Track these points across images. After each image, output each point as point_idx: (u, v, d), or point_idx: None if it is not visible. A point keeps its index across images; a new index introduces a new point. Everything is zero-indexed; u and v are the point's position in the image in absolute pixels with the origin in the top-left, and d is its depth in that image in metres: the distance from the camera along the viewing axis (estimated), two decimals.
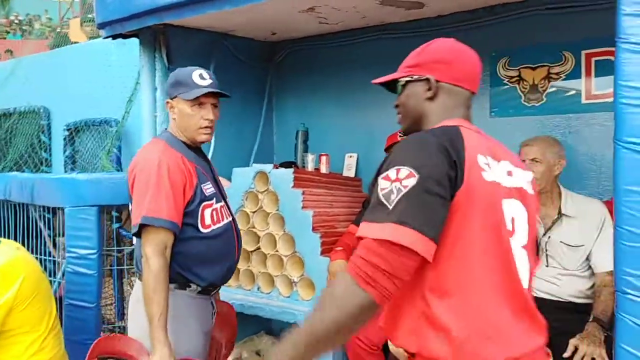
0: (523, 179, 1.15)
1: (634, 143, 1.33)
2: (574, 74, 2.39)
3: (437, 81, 1.16)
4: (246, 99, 3.07)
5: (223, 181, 2.14)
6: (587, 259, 2.00)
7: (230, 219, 1.78)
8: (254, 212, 2.44)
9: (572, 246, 2.00)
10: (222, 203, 1.76)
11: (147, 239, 1.53)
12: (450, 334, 0.98)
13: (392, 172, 0.98)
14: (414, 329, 1.03)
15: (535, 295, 2.05)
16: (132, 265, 2.36)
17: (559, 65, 2.42)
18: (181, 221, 1.58)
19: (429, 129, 1.11)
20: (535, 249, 1.19)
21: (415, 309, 1.02)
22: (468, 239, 1.00)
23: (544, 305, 2.01)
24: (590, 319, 1.85)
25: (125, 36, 2.52)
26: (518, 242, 1.08)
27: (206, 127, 1.69)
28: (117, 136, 3.25)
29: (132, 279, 3.13)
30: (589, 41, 2.32)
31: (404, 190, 0.95)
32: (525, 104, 2.52)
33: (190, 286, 1.66)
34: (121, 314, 3.29)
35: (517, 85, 2.55)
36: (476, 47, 2.64)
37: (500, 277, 1.03)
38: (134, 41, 2.61)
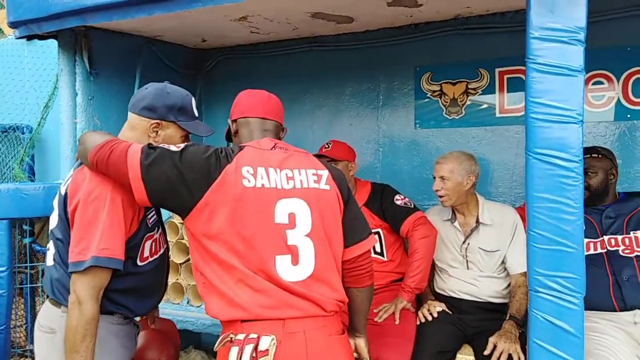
0: (310, 179, 1.41)
1: (543, 154, 1.45)
2: (489, 90, 2.59)
3: (233, 121, 1.53)
4: None
5: None
6: (503, 262, 2.15)
7: (165, 246, 1.66)
8: (182, 222, 2.37)
9: (489, 251, 2.15)
10: (160, 230, 1.63)
11: (84, 280, 1.33)
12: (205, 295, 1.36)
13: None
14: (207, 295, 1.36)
15: (457, 296, 2.19)
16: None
17: (476, 81, 2.61)
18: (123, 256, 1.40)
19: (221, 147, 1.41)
20: (340, 232, 1.44)
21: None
22: (226, 232, 1.31)
23: (466, 306, 2.17)
24: (507, 318, 1.99)
25: (41, 37, 2.35)
26: (300, 232, 1.35)
27: None
28: (31, 144, 3.01)
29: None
30: (502, 60, 2.52)
31: (161, 147, 1.38)
32: (447, 116, 2.69)
33: (115, 314, 1.52)
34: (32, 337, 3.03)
35: (439, 99, 2.70)
36: (401, 61, 2.82)
37: (253, 262, 1.31)
38: (51, 42, 2.45)
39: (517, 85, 2.51)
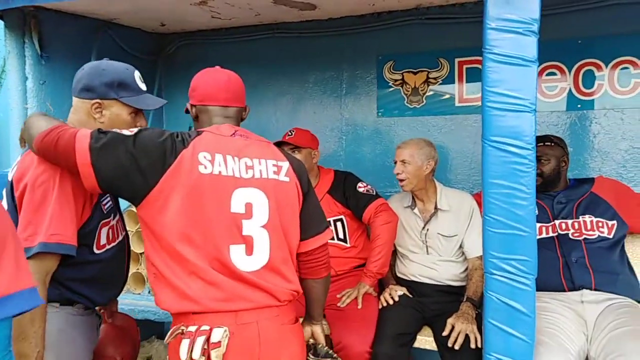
0: (269, 170, 1.39)
1: (498, 142, 1.51)
2: (449, 79, 2.64)
3: (193, 105, 1.47)
4: None
5: None
6: (461, 246, 2.22)
7: (124, 234, 1.62)
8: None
9: (447, 236, 2.21)
10: (118, 216, 1.59)
11: (32, 266, 1.20)
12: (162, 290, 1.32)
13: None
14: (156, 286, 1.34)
15: (418, 280, 2.25)
16: None
17: (436, 71, 2.65)
18: (75, 241, 1.34)
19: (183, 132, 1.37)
20: (296, 224, 1.44)
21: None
22: (179, 220, 1.28)
23: (426, 289, 2.23)
24: (464, 300, 2.06)
25: None
26: (256, 223, 1.33)
27: None
28: None
29: None
30: (461, 50, 2.57)
31: (115, 131, 1.32)
32: (408, 105, 2.73)
33: (75, 304, 1.48)
34: None
35: (400, 88, 2.74)
36: (364, 50, 2.82)
37: (209, 252, 1.29)
38: None
39: (476, 75, 2.57)
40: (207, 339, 1.23)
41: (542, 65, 2.46)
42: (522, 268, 1.51)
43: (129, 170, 1.25)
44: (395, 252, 2.37)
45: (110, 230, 1.48)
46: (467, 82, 2.62)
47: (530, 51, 1.47)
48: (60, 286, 1.38)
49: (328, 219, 2.25)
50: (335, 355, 1.69)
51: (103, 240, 1.45)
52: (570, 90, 2.45)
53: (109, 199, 1.49)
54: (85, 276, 1.42)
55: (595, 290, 1.89)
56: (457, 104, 2.64)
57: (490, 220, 1.54)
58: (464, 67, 2.61)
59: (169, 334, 1.29)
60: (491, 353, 1.56)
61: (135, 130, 1.32)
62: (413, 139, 2.24)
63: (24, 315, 1.19)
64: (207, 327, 1.24)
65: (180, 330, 1.26)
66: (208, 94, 1.44)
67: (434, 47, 2.63)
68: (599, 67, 2.39)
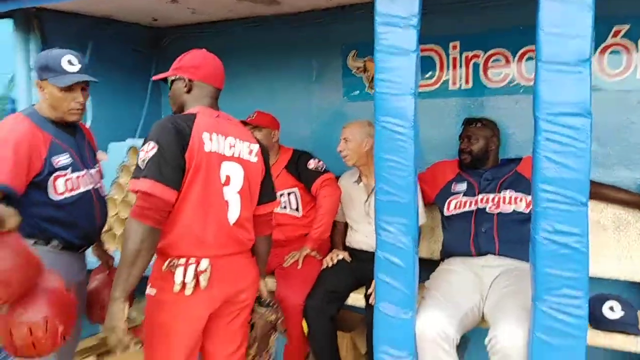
0: (245, 150, 1.71)
1: (385, 122, 1.74)
2: None
3: (190, 80, 1.68)
4: (130, 82, 3.29)
5: (101, 155, 2.37)
6: None
7: (90, 187, 1.95)
8: (127, 183, 2.70)
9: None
10: (82, 172, 1.92)
11: None
12: (167, 236, 1.58)
13: (145, 146, 1.55)
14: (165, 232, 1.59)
15: (359, 247, 2.51)
16: None
17: None
18: (22, 186, 1.71)
19: (170, 116, 1.65)
20: (257, 193, 1.78)
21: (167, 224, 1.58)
22: (192, 187, 1.56)
23: (365, 256, 2.49)
24: None
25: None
26: (232, 189, 1.65)
27: (77, 109, 1.86)
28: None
29: None
30: None
31: (149, 156, 1.52)
32: (369, 91, 2.96)
33: (50, 242, 1.85)
34: None
35: (362, 75, 2.97)
36: (330, 40, 3.07)
37: (207, 210, 1.60)
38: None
39: (429, 63, 2.77)
40: (196, 267, 1.56)
41: (490, 52, 2.63)
42: (402, 230, 1.76)
43: (175, 165, 1.53)
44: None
45: (69, 182, 1.83)
46: (422, 69, 2.80)
47: (411, 43, 1.70)
48: (32, 223, 1.75)
49: (283, 191, 2.61)
50: (275, 305, 2.01)
51: (60, 189, 1.80)
52: (513, 75, 2.60)
53: (66, 156, 1.84)
54: (49, 216, 1.78)
55: (499, 255, 2.10)
56: None
57: (379, 190, 1.79)
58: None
59: (165, 265, 1.57)
60: (380, 302, 1.82)
61: (154, 147, 1.52)
62: (356, 120, 2.50)
63: None
64: (193, 260, 1.56)
65: (172, 263, 1.57)
66: (210, 74, 1.71)
67: None
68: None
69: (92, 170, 2.01)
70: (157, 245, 1.56)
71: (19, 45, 2.70)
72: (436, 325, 1.78)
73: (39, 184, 1.76)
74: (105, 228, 2.16)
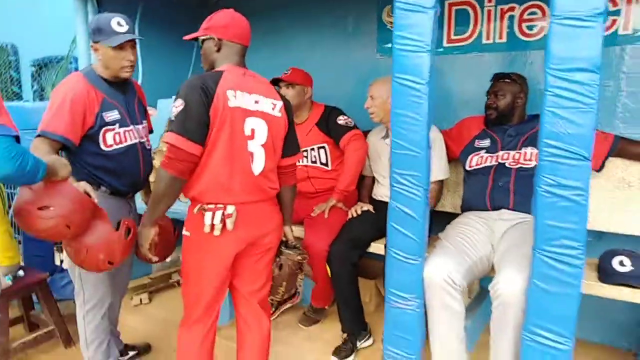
0: (269, 106, 1.82)
1: (401, 78, 1.81)
2: (439, 20, 2.82)
3: (220, 39, 1.79)
4: (177, 42, 3.44)
5: (151, 110, 2.61)
6: None
7: (136, 141, 2.16)
8: None
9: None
10: (129, 127, 2.13)
11: (35, 144, 1.90)
12: (197, 185, 1.74)
13: (175, 102, 1.68)
14: (191, 183, 1.76)
15: (383, 200, 2.63)
16: None
17: None
18: (77, 138, 1.94)
19: (198, 75, 1.73)
20: (281, 147, 1.90)
21: (195, 173, 1.74)
22: (218, 140, 1.70)
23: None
24: None
25: None
26: (257, 142, 1.78)
27: (128, 66, 2.05)
28: (63, 72, 3.67)
29: None
30: None
31: (177, 112, 1.67)
32: None
33: (100, 188, 2.10)
34: None
35: None
36: None
37: (233, 161, 1.73)
38: None
39: (464, 16, 2.74)
40: (223, 212, 1.73)
41: (524, 5, 2.57)
42: (414, 182, 1.86)
43: (200, 121, 1.66)
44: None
45: (117, 135, 2.06)
46: (455, 24, 2.80)
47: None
48: (85, 170, 2.02)
49: (313, 146, 2.75)
50: (299, 247, 2.21)
51: (110, 142, 2.03)
52: None
53: (115, 112, 2.05)
54: (100, 165, 2.02)
55: (513, 210, 2.16)
56: (445, 45, 2.85)
57: (394, 143, 1.89)
58: (453, 8, 2.79)
59: (196, 209, 1.75)
60: (391, 248, 1.96)
61: (182, 104, 1.66)
62: (381, 77, 2.56)
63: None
64: (221, 205, 1.73)
65: (202, 207, 1.74)
66: (238, 33, 1.80)
67: None
68: None
69: (139, 126, 2.21)
70: (180, 191, 1.74)
71: (78, 9, 2.94)
72: (443, 271, 1.90)
73: (91, 136, 1.99)
74: (152, 177, 2.41)
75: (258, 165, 1.80)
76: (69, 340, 2.70)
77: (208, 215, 1.74)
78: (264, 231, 1.88)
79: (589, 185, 1.55)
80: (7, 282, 2.49)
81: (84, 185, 1.84)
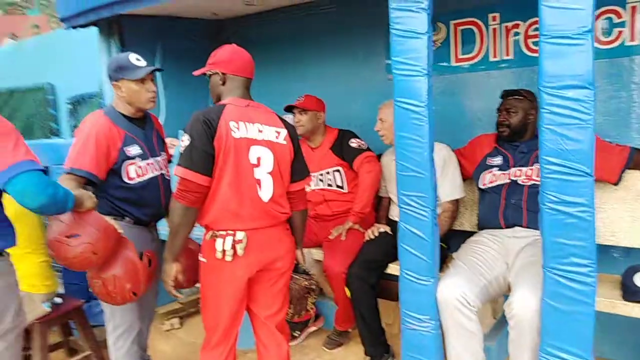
0: (273, 134, 1.89)
1: (402, 102, 1.86)
2: (446, 42, 2.87)
3: (224, 73, 1.88)
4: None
5: (174, 141, 2.74)
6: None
7: (157, 173, 2.26)
8: None
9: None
10: (150, 161, 2.23)
11: (62, 180, 2.01)
12: (209, 213, 1.83)
13: (183, 137, 1.80)
14: (204, 211, 1.85)
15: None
16: None
17: (435, 34, 2.90)
18: (102, 172, 2.05)
19: (202, 110, 1.83)
20: (289, 172, 1.95)
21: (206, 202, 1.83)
22: (224, 169, 1.78)
23: None
24: None
25: (83, 26, 3.10)
26: (263, 170, 1.85)
27: (152, 97, 2.18)
28: (95, 108, 3.89)
29: None
30: (455, 13, 2.78)
31: (184, 146, 1.77)
32: None
33: (124, 219, 2.21)
34: None
35: None
36: (376, 20, 3.16)
37: (241, 189, 1.81)
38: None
39: (469, 36, 2.77)
40: (233, 238, 1.81)
41: (530, 20, 2.58)
42: (421, 203, 1.88)
43: (205, 153, 1.76)
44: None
45: (139, 168, 2.15)
46: (462, 43, 2.82)
47: (423, 25, 1.79)
48: (110, 203, 2.12)
49: (329, 169, 2.81)
50: (310, 272, 2.26)
51: (132, 174, 2.13)
52: None
53: (136, 146, 2.15)
54: (124, 197, 2.12)
55: (527, 227, 2.13)
56: (453, 64, 2.87)
57: (399, 165, 1.92)
58: (458, 28, 2.82)
59: (208, 235, 1.84)
60: (404, 270, 1.98)
61: (188, 138, 1.77)
62: (389, 100, 2.59)
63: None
64: (232, 231, 1.81)
65: (214, 234, 1.83)
66: (240, 67, 1.89)
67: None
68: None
69: (159, 158, 2.31)
70: (194, 220, 1.82)
71: (103, 49, 3.14)
72: (456, 291, 1.89)
73: (115, 170, 2.10)
74: None
75: (266, 191, 1.87)
76: None
77: (219, 242, 1.82)
78: (275, 255, 1.93)
79: (593, 201, 1.54)
80: (45, 309, 2.62)
81: (108, 220, 1.94)
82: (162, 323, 3.33)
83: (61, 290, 2.92)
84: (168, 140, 2.52)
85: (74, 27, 3.09)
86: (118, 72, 2.12)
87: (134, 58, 2.12)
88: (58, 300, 2.71)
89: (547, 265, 1.63)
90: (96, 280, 1.91)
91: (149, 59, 3.18)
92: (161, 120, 3.25)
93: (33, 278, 2.55)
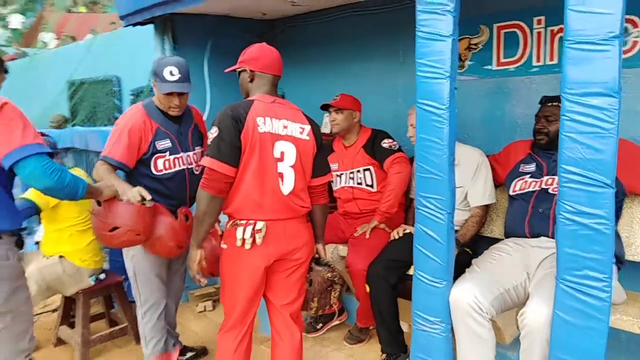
0: (297, 130, 1.96)
1: (424, 104, 1.86)
2: (488, 45, 2.81)
3: (252, 71, 1.96)
4: None
5: None
6: (466, 196, 2.51)
7: (184, 167, 2.38)
8: None
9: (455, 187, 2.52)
10: (180, 155, 2.37)
11: (98, 165, 2.24)
12: (232, 203, 1.92)
13: (211, 129, 1.88)
14: (228, 201, 1.93)
15: None
16: None
17: (476, 37, 2.85)
18: (132, 162, 2.24)
19: (231, 105, 1.90)
20: (310, 167, 2.01)
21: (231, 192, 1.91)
22: (249, 162, 1.86)
23: None
24: None
25: (142, 24, 3.32)
26: (286, 164, 1.92)
27: (174, 108, 2.31)
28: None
29: None
30: (499, 15, 2.73)
31: (212, 138, 1.85)
32: None
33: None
34: None
35: None
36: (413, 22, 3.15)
37: (263, 181, 1.89)
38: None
39: (513, 39, 2.70)
40: (253, 227, 1.92)
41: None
42: (438, 205, 1.87)
43: (232, 145, 1.84)
44: None
45: (167, 162, 2.32)
46: (505, 46, 2.75)
47: (448, 28, 1.78)
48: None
49: (359, 168, 2.85)
50: (331, 265, 2.30)
51: (160, 167, 2.30)
52: None
53: (167, 141, 2.31)
54: (150, 186, 2.26)
55: (553, 238, 2.05)
56: (495, 67, 2.81)
57: (419, 167, 1.93)
58: (502, 31, 2.75)
59: (229, 225, 1.98)
60: (418, 271, 1.98)
61: (216, 131, 1.85)
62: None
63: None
64: (252, 221, 1.89)
65: (235, 223, 1.93)
66: (268, 64, 1.97)
67: (475, 14, 2.81)
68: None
69: (191, 152, 2.43)
70: (220, 209, 1.90)
71: (157, 45, 3.35)
72: (469, 296, 1.87)
73: (144, 161, 2.28)
74: None
75: (288, 185, 1.93)
76: (139, 337, 3.02)
77: (240, 230, 1.91)
78: (293, 247, 1.99)
79: (613, 213, 1.48)
80: (90, 282, 2.86)
81: (138, 190, 2.13)
82: (196, 305, 3.51)
83: (106, 266, 3.16)
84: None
85: (133, 25, 3.32)
86: (154, 76, 2.28)
87: (167, 71, 2.24)
88: (102, 276, 2.94)
89: (560, 277, 1.58)
90: (146, 245, 2.22)
91: (198, 56, 3.37)
92: (205, 114, 3.42)
93: (84, 253, 2.80)
